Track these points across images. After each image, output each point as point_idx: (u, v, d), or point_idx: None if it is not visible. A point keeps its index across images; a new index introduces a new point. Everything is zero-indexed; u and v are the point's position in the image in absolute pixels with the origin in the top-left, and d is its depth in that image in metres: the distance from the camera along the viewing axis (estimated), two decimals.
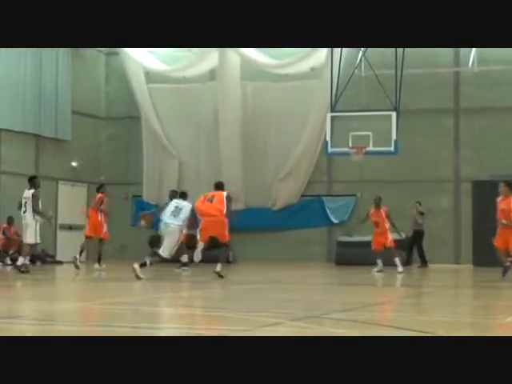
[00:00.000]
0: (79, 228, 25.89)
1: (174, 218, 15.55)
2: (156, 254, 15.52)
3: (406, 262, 22.21)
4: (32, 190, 16.80)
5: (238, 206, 22.43)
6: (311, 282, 16.34)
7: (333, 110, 22.16)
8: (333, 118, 21.99)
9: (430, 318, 8.52)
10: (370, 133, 21.16)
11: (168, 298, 11.71)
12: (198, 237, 15.95)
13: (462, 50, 23.94)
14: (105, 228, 19.68)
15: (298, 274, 19.58)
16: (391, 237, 19.14)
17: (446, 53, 23.99)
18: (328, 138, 21.98)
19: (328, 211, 25.72)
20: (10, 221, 21.97)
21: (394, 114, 21.20)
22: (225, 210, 15.34)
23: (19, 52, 23.42)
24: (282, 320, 7.76)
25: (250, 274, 19.89)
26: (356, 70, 23.14)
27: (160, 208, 17.10)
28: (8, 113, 23.58)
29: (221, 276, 15.10)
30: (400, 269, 18.73)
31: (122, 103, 27.59)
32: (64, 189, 25.56)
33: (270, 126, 26.03)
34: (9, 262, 21.16)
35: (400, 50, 21.45)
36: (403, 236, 20.77)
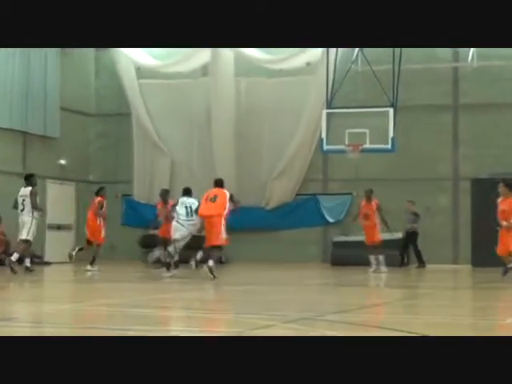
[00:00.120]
0: (68, 228, 25.38)
1: (190, 217, 16.57)
2: (169, 254, 16.82)
3: (401, 263, 21.99)
4: (29, 188, 16.94)
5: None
6: (306, 282, 16.26)
7: (329, 107, 21.89)
8: (329, 115, 21.68)
9: (428, 320, 8.39)
10: (366, 130, 20.86)
11: (159, 300, 11.56)
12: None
13: None
14: (103, 233, 19.17)
15: (293, 274, 19.43)
16: (380, 236, 19.26)
17: (444, 48, 23.52)
18: (324, 135, 21.69)
19: (323, 210, 25.28)
20: None
21: (391, 110, 20.84)
22: (225, 212, 15.46)
23: (7, 50, 22.88)
24: (275, 322, 7.68)
25: (243, 274, 19.75)
26: (352, 66, 22.77)
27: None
28: None
29: (213, 276, 15.05)
30: (374, 268, 19.12)
31: (112, 99, 27.02)
32: (52, 187, 24.97)
33: (264, 122, 25.58)
34: None
35: None
36: (395, 235, 20.78)
